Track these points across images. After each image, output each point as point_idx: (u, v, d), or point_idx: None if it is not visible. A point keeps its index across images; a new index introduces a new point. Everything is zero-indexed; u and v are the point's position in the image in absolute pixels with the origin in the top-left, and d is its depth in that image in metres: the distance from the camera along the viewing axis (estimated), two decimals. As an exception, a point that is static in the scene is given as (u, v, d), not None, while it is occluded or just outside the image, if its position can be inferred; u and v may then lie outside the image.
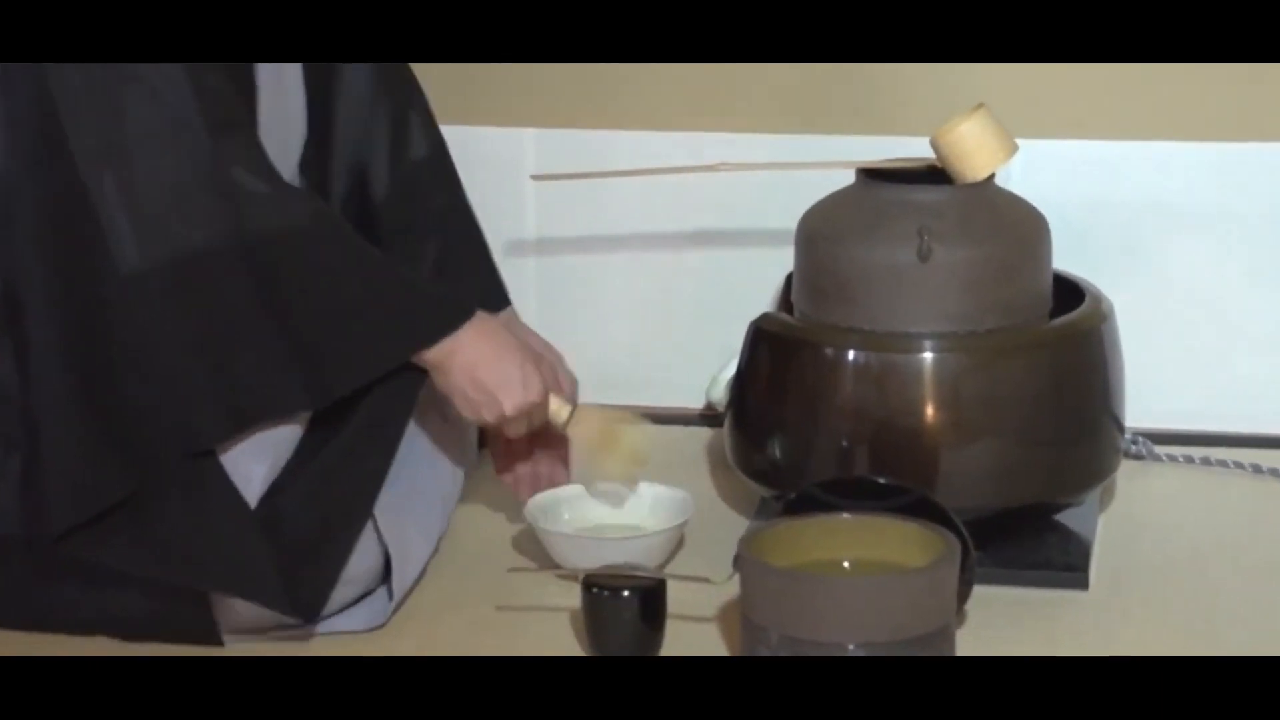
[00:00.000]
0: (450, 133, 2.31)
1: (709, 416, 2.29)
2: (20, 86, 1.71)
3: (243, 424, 1.76)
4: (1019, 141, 1.97)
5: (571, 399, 1.93)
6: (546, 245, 2.35)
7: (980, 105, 1.95)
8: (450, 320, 1.81)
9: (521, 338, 1.91)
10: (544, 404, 1.88)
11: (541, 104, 2.30)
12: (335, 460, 1.80)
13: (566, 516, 1.98)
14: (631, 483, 1.96)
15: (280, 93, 1.89)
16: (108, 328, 1.73)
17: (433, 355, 1.81)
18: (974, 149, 1.94)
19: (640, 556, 1.88)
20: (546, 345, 1.98)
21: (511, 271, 2.33)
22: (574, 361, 2.34)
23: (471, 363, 1.81)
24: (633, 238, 2.33)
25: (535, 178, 2.25)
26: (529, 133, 2.30)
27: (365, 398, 1.80)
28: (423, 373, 1.82)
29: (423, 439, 1.95)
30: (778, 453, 1.96)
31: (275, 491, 1.79)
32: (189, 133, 1.71)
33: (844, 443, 1.92)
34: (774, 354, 1.97)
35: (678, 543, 1.96)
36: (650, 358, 2.34)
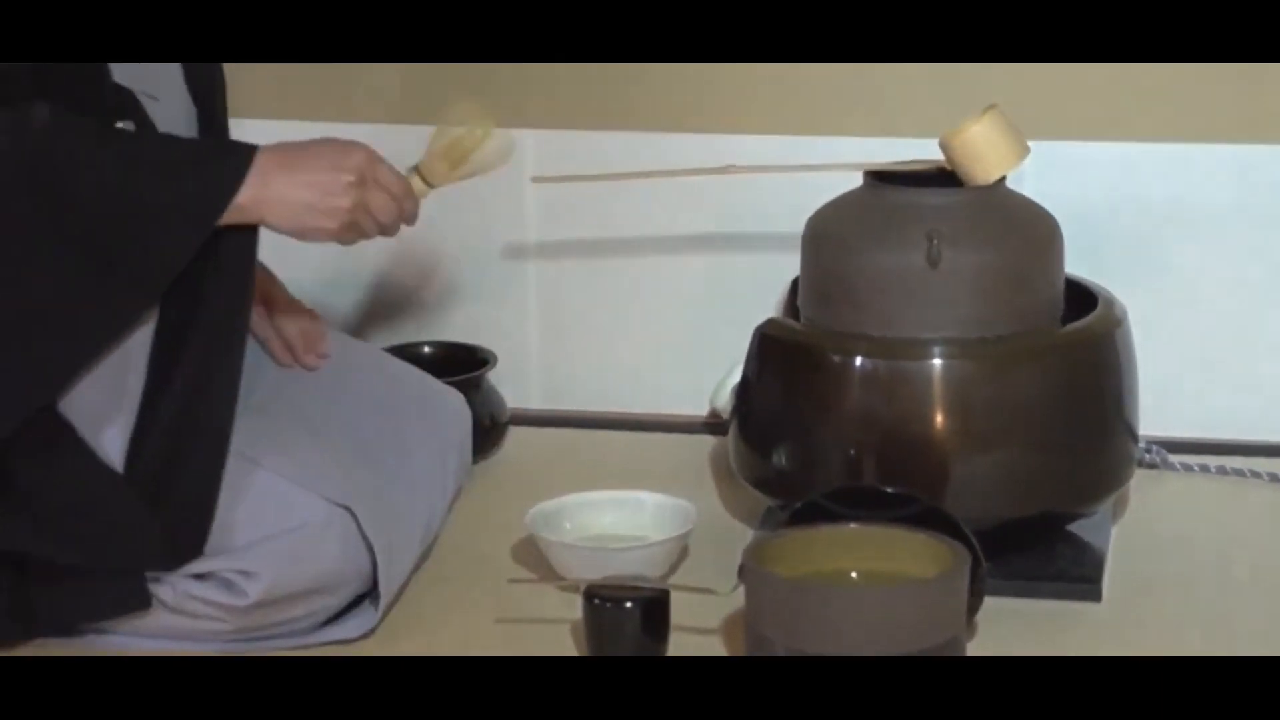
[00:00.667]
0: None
1: (713, 424, 2.28)
2: None
3: (85, 350, 1.72)
4: (1031, 143, 1.97)
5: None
6: (547, 249, 2.34)
7: (992, 106, 1.95)
8: (241, 156, 1.74)
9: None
10: (375, 165, 1.80)
11: (542, 104, 2.30)
12: (186, 390, 1.76)
13: (568, 526, 1.97)
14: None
15: (169, 98, 1.86)
16: None
17: (248, 197, 1.73)
18: (985, 151, 1.94)
19: (643, 567, 1.87)
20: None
21: (511, 275, 2.34)
22: (575, 367, 2.34)
23: (288, 176, 1.74)
24: (635, 241, 2.32)
25: (536, 180, 2.25)
26: (529, 134, 2.29)
27: (200, 314, 1.76)
28: (243, 270, 1.76)
29: (411, 438, 1.95)
30: (783, 461, 1.95)
31: (138, 439, 1.76)
32: None
33: (851, 451, 1.91)
34: (780, 360, 1.97)
35: (681, 553, 1.95)
36: (653, 364, 2.34)
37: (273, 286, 1.99)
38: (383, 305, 2.36)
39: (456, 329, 2.34)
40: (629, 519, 2.00)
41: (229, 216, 1.73)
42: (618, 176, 2.14)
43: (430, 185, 1.88)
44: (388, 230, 1.83)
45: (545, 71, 2.27)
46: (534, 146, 2.30)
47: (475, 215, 2.33)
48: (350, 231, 1.80)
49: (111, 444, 1.76)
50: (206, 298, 1.76)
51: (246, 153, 1.74)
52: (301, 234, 1.78)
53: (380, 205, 1.80)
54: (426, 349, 2.29)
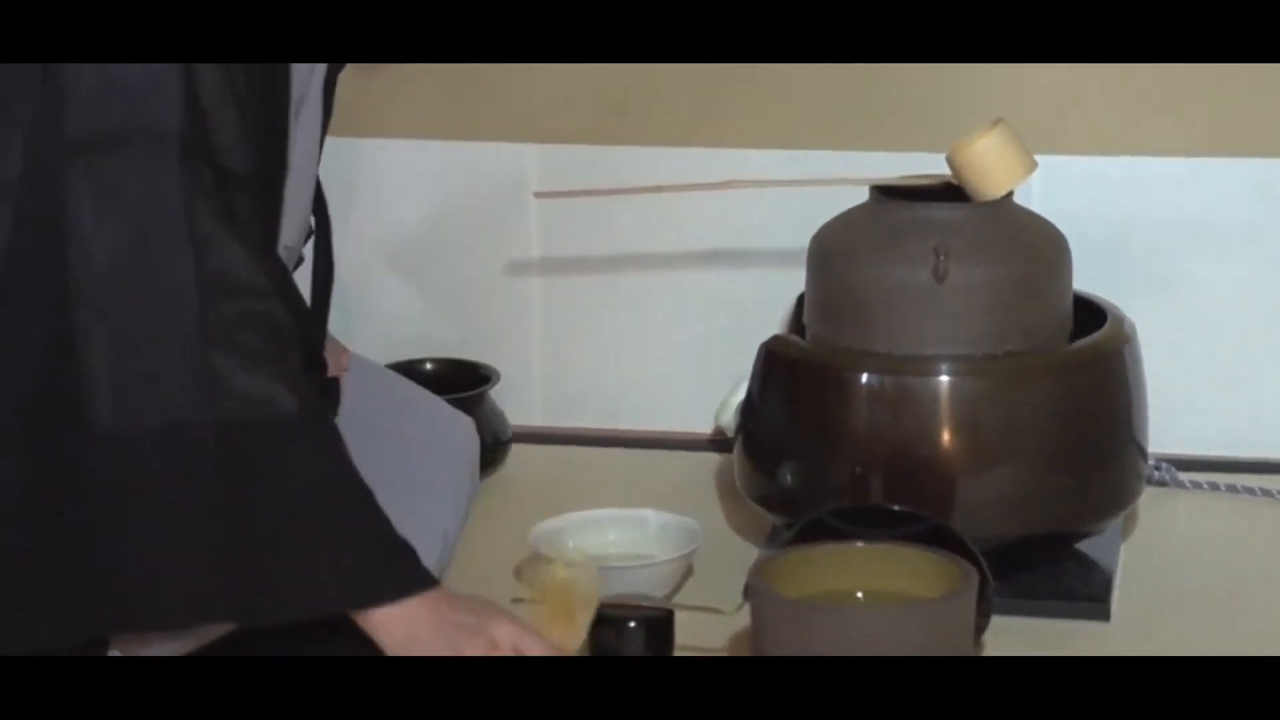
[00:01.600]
0: (452, 149, 2.31)
1: (718, 442, 2.27)
2: (33, 183, 1.60)
3: (156, 623, 1.63)
4: (1039, 158, 1.96)
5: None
6: (550, 265, 2.33)
7: (999, 120, 1.95)
8: (401, 584, 1.63)
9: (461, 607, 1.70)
10: None
11: (545, 119, 2.29)
12: None
13: (571, 544, 1.96)
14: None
15: (304, 164, 1.83)
16: (59, 481, 1.60)
17: (381, 621, 1.63)
18: (992, 165, 1.94)
19: (647, 586, 1.86)
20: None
21: (514, 291, 2.33)
22: (579, 384, 2.34)
23: (402, 640, 1.64)
24: (639, 257, 2.32)
25: (539, 195, 2.25)
26: (532, 148, 2.30)
27: None
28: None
29: (421, 466, 1.92)
30: (789, 479, 1.94)
31: None
32: (181, 300, 1.59)
33: (858, 469, 1.90)
34: (785, 377, 1.96)
35: (686, 572, 1.94)
36: (657, 381, 2.33)
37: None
38: (385, 322, 2.35)
39: (459, 345, 2.33)
40: (633, 537, 1.99)
41: (353, 613, 1.63)
42: (621, 191, 2.13)
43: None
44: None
45: (548, 85, 2.27)
46: (537, 161, 2.29)
47: (478, 231, 2.32)
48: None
49: None
50: None
51: (413, 583, 1.63)
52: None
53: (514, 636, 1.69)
54: (429, 365, 2.28)
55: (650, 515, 2.00)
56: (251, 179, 1.65)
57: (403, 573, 1.63)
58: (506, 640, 1.65)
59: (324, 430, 1.64)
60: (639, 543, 1.99)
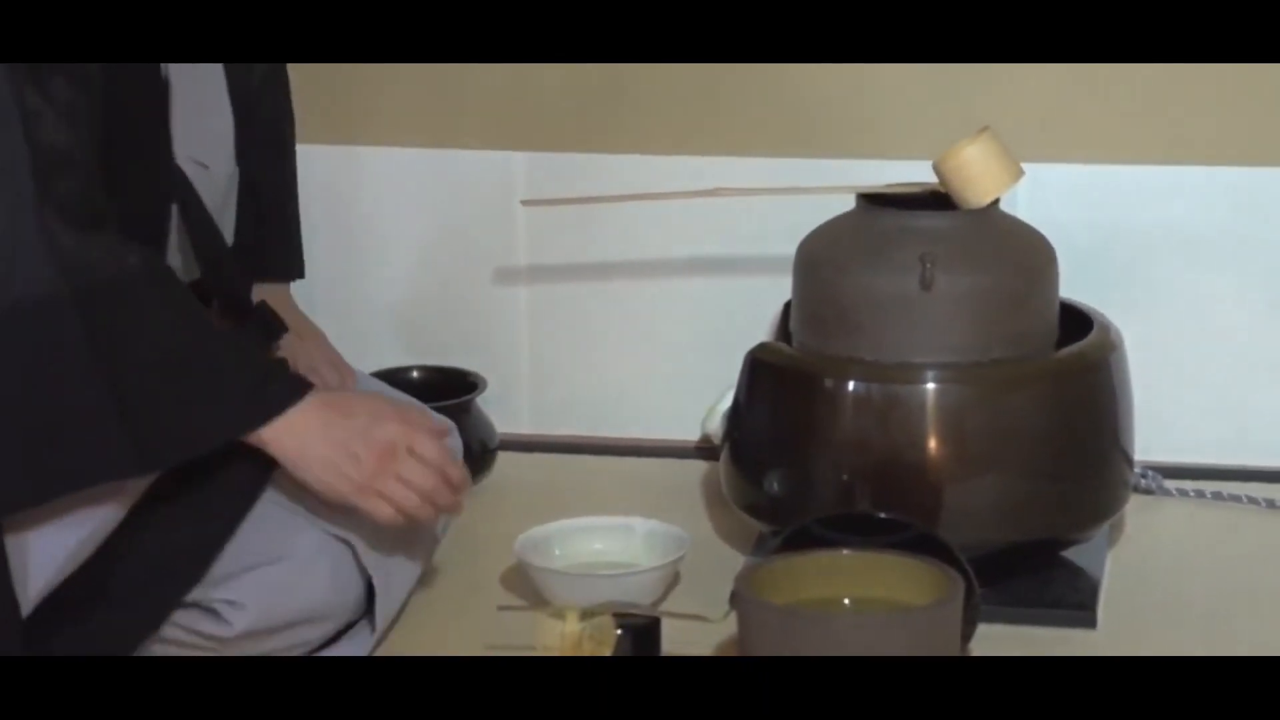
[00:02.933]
0: (439, 156, 2.31)
1: (705, 449, 2.27)
2: None
3: (53, 490, 1.67)
4: (1025, 166, 1.96)
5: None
6: (537, 272, 2.33)
7: (985, 128, 1.94)
8: (280, 399, 1.71)
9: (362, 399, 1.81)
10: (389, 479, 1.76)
11: (532, 126, 2.29)
12: (163, 534, 1.73)
13: (558, 553, 1.96)
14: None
15: (197, 80, 1.85)
16: None
17: (277, 435, 1.71)
18: (978, 174, 1.94)
19: (634, 593, 1.85)
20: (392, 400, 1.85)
21: (501, 299, 2.33)
22: (566, 392, 2.34)
23: (322, 427, 1.72)
24: (626, 265, 2.31)
25: (525, 203, 2.24)
26: (519, 156, 2.29)
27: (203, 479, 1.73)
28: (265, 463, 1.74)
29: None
30: (776, 487, 1.94)
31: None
32: (10, 178, 1.63)
33: (844, 476, 1.90)
34: (772, 385, 1.96)
35: (673, 579, 1.93)
36: (644, 389, 2.33)
37: (304, 322, 2.01)
38: (372, 330, 2.34)
39: (446, 353, 2.33)
40: (620, 545, 1.98)
41: (248, 439, 1.71)
42: (608, 199, 2.14)
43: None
44: (433, 501, 1.77)
45: (534, 93, 2.27)
46: (524, 169, 2.29)
47: (464, 239, 2.32)
48: (373, 498, 1.75)
49: (44, 561, 1.71)
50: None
51: (291, 395, 1.71)
52: (318, 489, 1.74)
53: (413, 473, 1.75)
54: (415, 373, 2.28)
55: (637, 523, 2.00)
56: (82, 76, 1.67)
57: (279, 388, 1.72)
58: (399, 439, 1.73)
59: (171, 281, 1.71)
60: (626, 551, 1.98)
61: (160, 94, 1.79)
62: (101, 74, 1.68)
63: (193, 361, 1.69)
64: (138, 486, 1.71)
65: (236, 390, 1.70)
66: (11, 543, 1.67)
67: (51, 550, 1.69)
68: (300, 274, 2.09)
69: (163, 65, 1.79)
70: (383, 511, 1.75)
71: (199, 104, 1.85)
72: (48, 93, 1.64)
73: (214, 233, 1.86)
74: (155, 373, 1.67)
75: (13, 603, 1.68)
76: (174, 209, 1.81)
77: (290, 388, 1.73)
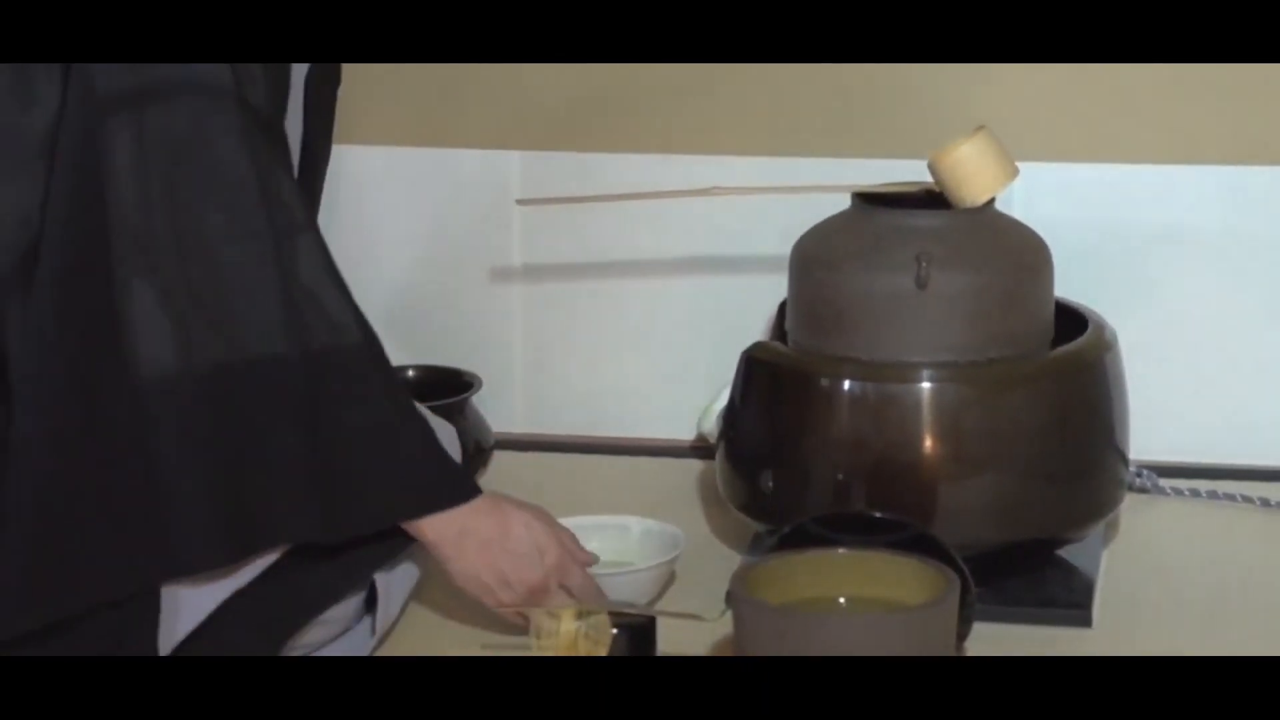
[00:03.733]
0: (434, 155, 2.30)
1: (700, 448, 2.27)
2: (71, 151, 1.63)
3: (248, 549, 1.68)
4: (1020, 165, 1.96)
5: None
6: (532, 272, 2.33)
7: (981, 127, 1.94)
8: (463, 491, 1.76)
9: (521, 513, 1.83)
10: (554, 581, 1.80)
11: (527, 126, 2.29)
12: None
13: None
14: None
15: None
16: (110, 428, 1.63)
17: (435, 534, 1.75)
18: (974, 173, 1.94)
19: (629, 593, 1.85)
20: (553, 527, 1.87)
21: (496, 298, 2.33)
22: (561, 391, 2.33)
23: (485, 539, 1.76)
24: (621, 264, 2.31)
25: (521, 202, 2.24)
26: (514, 155, 2.29)
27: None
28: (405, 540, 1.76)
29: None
30: (771, 486, 1.94)
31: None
32: (255, 240, 1.65)
33: (840, 476, 1.90)
34: (767, 384, 1.96)
35: (668, 579, 1.93)
36: (639, 388, 2.33)
37: None
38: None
39: (440, 352, 2.32)
40: (615, 544, 1.98)
41: (411, 529, 1.74)
42: (603, 199, 2.13)
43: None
44: None
45: (530, 93, 2.27)
46: (519, 169, 2.29)
47: (459, 238, 2.32)
48: (521, 607, 1.80)
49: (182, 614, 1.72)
50: None
51: (464, 493, 1.75)
52: (461, 588, 1.79)
53: (559, 603, 1.80)
54: (410, 373, 2.28)
55: (633, 522, 1.99)
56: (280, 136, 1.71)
57: (455, 484, 1.76)
58: (554, 576, 1.79)
59: (383, 356, 1.73)
60: (621, 550, 1.98)
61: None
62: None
63: (390, 440, 1.71)
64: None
65: (421, 476, 1.73)
66: (166, 593, 1.67)
67: (204, 602, 1.70)
68: None
69: None
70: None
71: None
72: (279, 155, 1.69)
73: None
74: (355, 446, 1.69)
75: (154, 649, 1.68)
76: None
77: (465, 486, 1.76)
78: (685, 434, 2.28)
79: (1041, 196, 2.18)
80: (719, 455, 2.01)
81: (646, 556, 1.95)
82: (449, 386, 2.23)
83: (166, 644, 1.68)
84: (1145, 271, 2.21)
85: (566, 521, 1.99)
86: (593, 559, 1.84)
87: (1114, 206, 2.20)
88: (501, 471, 2.24)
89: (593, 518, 2.00)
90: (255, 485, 1.66)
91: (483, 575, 1.77)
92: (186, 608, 1.69)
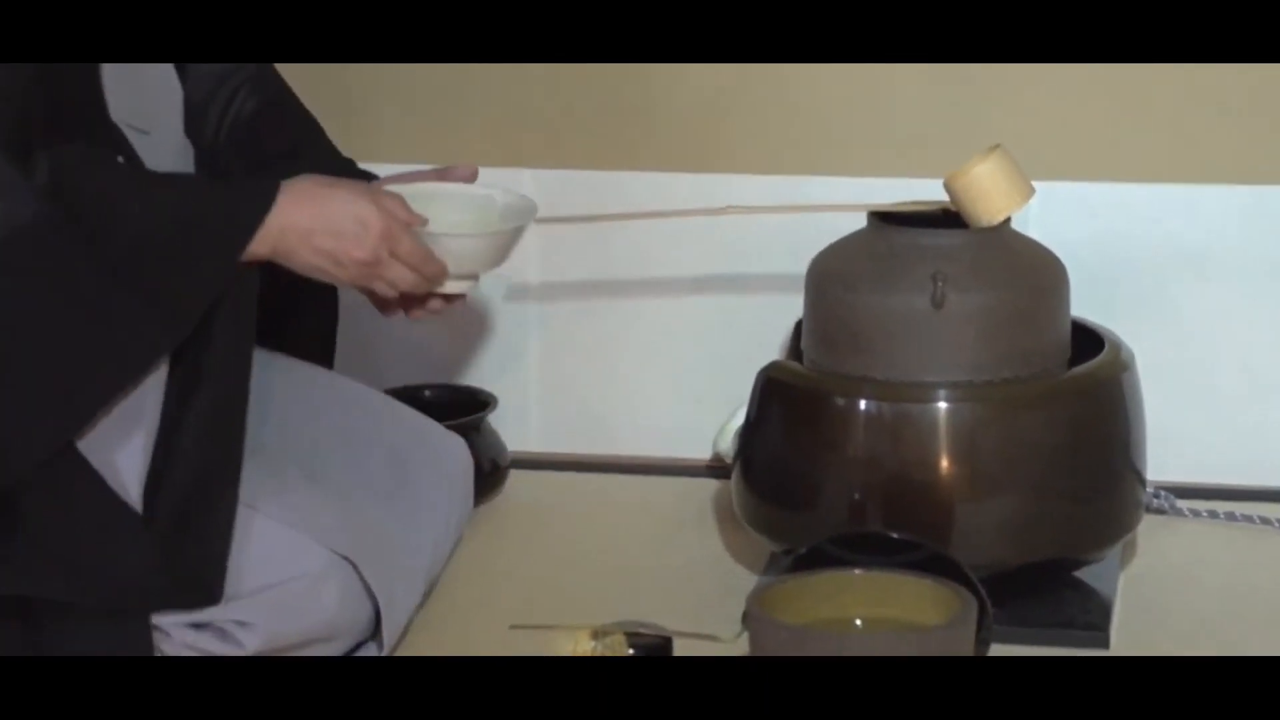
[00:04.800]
0: (449, 174, 2.28)
1: (716, 468, 2.26)
2: None
3: (119, 384, 1.72)
4: (1036, 184, 1.95)
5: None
6: (549, 290, 2.32)
7: (996, 146, 1.94)
8: (257, 204, 1.76)
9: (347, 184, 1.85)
10: (393, 234, 1.80)
11: (542, 144, 2.29)
12: (199, 429, 1.76)
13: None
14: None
15: (162, 133, 1.88)
16: None
17: (264, 247, 1.77)
18: (989, 191, 1.93)
19: (470, 258, 1.84)
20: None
21: (513, 317, 2.33)
22: (577, 410, 2.33)
23: (305, 230, 1.77)
24: (637, 283, 2.31)
25: (536, 220, 2.22)
26: (528, 173, 2.28)
27: (206, 349, 1.77)
28: (246, 301, 1.78)
29: (412, 483, 1.93)
30: (787, 506, 1.92)
31: (153, 480, 1.75)
32: None
33: (856, 495, 1.89)
34: (783, 403, 1.95)
35: (507, 246, 1.88)
36: (656, 407, 2.32)
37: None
38: (381, 348, 2.34)
39: (456, 371, 2.32)
40: (479, 215, 1.92)
41: (251, 253, 1.75)
42: (618, 217, 2.13)
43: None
44: (417, 298, 1.87)
45: (544, 110, 2.27)
46: (534, 187, 2.28)
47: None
48: (363, 284, 1.83)
49: (129, 484, 1.75)
50: (214, 336, 1.76)
51: (269, 192, 1.76)
52: (313, 277, 1.81)
53: (396, 275, 1.82)
54: (426, 392, 2.27)
55: (498, 194, 1.94)
56: None
57: (251, 197, 1.77)
58: (382, 246, 1.79)
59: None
60: (483, 222, 1.92)
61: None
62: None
63: (170, 213, 1.73)
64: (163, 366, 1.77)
65: (217, 217, 1.75)
66: (99, 461, 1.72)
67: (132, 454, 1.74)
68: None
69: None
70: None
71: (136, 72, 1.85)
72: None
73: None
74: (145, 237, 1.71)
75: (125, 507, 1.72)
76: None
77: (256, 196, 1.76)
78: (701, 453, 2.28)
79: (1058, 215, 2.17)
80: (735, 474, 2.00)
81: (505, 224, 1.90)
82: (465, 405, 2.23)
83: (133, 500, 1.73)
84: (1163, 291, 2.20)
85: (434, 187, 1.93)
86: (420, 220, 1.82)
87: (1131, 226, 2.20)
88: (517, 490, 2.24)
89: (464, 187, 1.94)
90: (81, 334, 1.70)
91: (313, 261, 1.78)
92: (124, 466, 1.74)
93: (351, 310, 2.33)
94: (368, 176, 1.97)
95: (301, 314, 2.03)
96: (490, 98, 2.27)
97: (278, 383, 1.94)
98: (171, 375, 1.77)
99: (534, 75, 2.26)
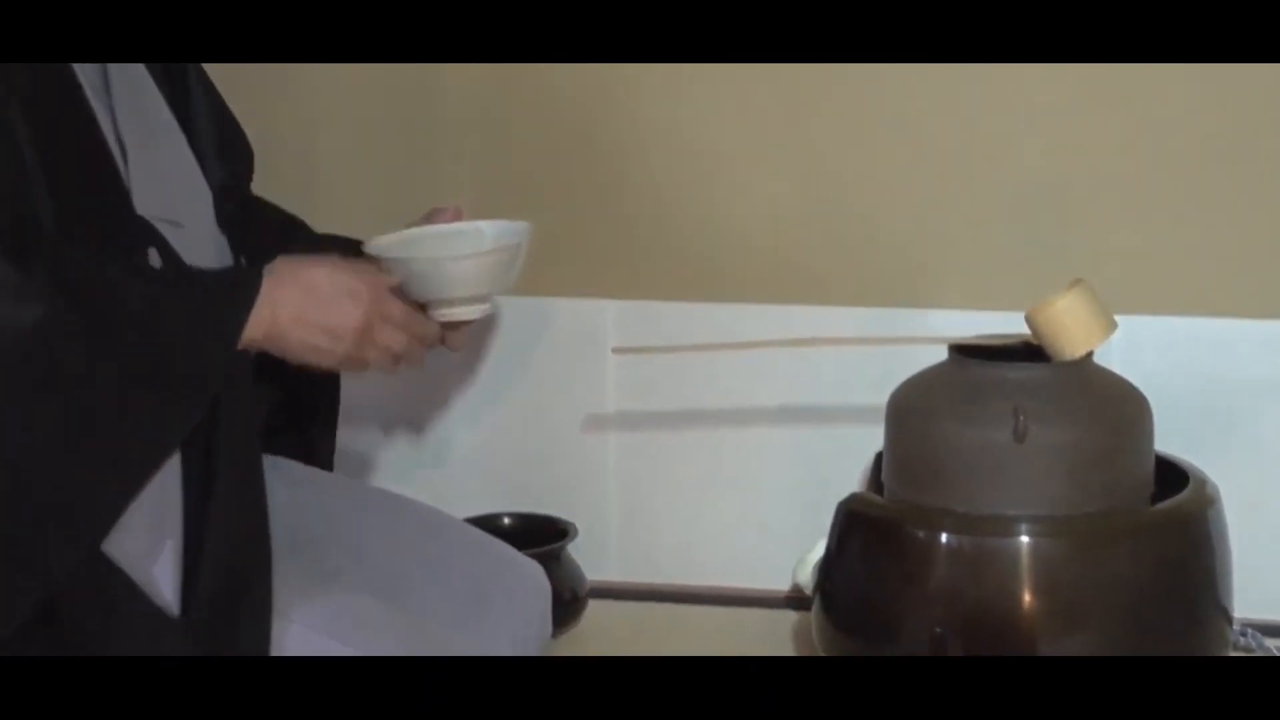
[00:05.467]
0: (530, 303, 2.31)
1: (796, 599, 2.25)
2: None
3: (138, 479, 1.71)
4: (1119, 318, 1.94)
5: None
6: (627, 419, 2.32)
7: (1078, 280, 1.93)
8: (244, 295, 1.76)
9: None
10: (383, 312, 1.81)
11: (622, 275, 2.30)
12: (220, 513, 1.75)
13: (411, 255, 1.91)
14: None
15: (194, 225, 1.88)
16: None
17: (258, 333, 1.76)
18: (1071, 326, 1.92)
19: (463, 283, 1.84)
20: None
21: (590, 446, 2.33)
22: (656, 539, 2.33)
23: (295, 311, 1.77)
24: (716, 413, 2.30)
25: (616, 350, 2.24)
26: (609, 304, 2.29)
27: (214, 440, 1.76)
28: (244, 392, 1.78)
29: (491, 610, 1.93)
30: (867, 638, 1.92)
31: (188, 581, 1.74)
32: None
33: (937, 629, 1.88)
34: (864, 535, 1.94)
35: (500, 267, 1.87)
36: (734, 538, 2.31)
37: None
38: (461, 476, 2.34)
39: (536, 500, 2.32)
40: (472, 244, 1.92)
41: (246, 340, 1.76)
42: (699, 348, 2.13)
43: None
44: (408, 361, 1.85)
45: (626, 242, 2.27)
46: (614, 317, 2.29)
47: (555, 386, 2.32)
48: (356, 366, 1.83)
49: (165, 590, 1.74)
50: (220, 426, 1.77)
51: (253, 280, 1.76)
52: (305, 364, 1.81)
53: (389, 339, 1.83)
54: (506, 520, 2.27)
55: (486, 225, 1.93)
56: None
57: (237, 288, 1.75)
58: (372, 312, 1.79)
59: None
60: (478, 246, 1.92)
61: (98, 144, 1.81)
62: (36, 125, 1.72)
63: (165, 308, 1.72)
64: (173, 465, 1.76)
65: (207, 312, 1.74)
66: (135, 576, 1.72)
67: (164, 564, 1.74)
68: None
69: (110, 124, 1.82)
70: (370, 367, 1.83)
71: (157, 163, 1.87)
72: None
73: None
74: (143, 343, 1.70)
75: (159, 613, 1.72)
76: (151, 255, 1.82)
77: (243, 286, 1.76)
78: (780, 585, 2.26)
79: (1140, 349, 2.16)
80: (815, 606, 1.99)
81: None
82: (545, 534, 2.22)
83: (169, 603, 1.73)
84: (1247, 425, 2.18)
85: (424, 230, 1.94)
86: (396, 283, 1.83)
87: (1214, 359, 2.19)
88: (596, 620, 2.23)
89: (447, 225, 1.94)
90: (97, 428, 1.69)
91: (308, 340, 1.77)
92: (159, 569, 1.74)
93: (433, 440, 2.35)
94: (355, 243, 1.99)
95: (305, 421, 2.04)
96: (573, 229, 2.28)
97: (354, 509, 1.95)
98: (186, 476, 1.77)
99: (616, 207, 2.27)
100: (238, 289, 1.77)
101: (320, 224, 2.02)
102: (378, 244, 1.89)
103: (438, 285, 1.85)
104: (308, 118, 2.33)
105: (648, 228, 2.26)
